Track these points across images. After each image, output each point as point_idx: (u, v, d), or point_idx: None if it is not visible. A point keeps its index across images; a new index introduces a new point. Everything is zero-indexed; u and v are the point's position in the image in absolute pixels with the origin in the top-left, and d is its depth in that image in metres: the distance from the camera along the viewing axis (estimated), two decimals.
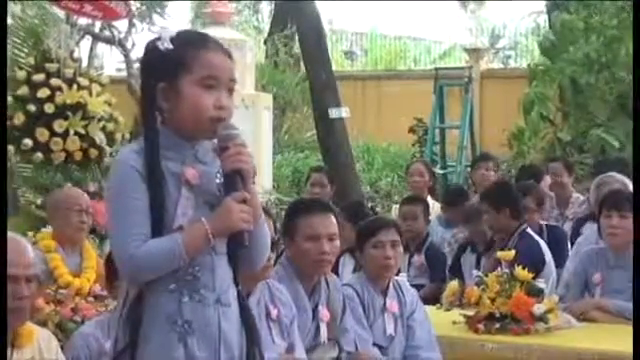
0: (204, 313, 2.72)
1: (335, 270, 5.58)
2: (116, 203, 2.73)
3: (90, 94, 6.66)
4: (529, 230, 6.09)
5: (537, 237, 6.12)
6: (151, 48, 2.79)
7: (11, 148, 6.59)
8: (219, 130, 2.73)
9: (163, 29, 2.83)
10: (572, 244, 6.44)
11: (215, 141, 2.78)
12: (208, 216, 2.71)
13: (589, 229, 6.41)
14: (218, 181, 2.77)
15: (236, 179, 2.71)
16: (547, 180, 7.70)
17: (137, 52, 14.30)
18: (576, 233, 6.62)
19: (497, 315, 4.80)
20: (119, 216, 2.71)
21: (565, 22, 11.50)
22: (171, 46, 2.74)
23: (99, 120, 6.64)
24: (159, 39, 2.76)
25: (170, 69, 2.74)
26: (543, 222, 6.69)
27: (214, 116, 2.73)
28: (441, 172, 12.74)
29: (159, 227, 2.69)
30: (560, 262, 6.05)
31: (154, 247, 2.67)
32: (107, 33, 14.70)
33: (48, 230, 5.58)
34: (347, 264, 6.04)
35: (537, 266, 5.43)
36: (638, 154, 6.20)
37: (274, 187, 12.62)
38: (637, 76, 6.63)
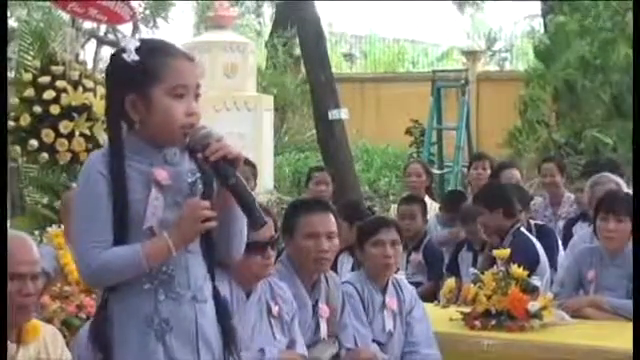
0: (181, 310, 2.70)
1: (334, 269, 5.58)
2: (81, 208, 2.72)
3: (95, 96, 6.66)
4: (523, 229, 6.09)
5: (531, 236, 6.11)
6: (117, 59, 2.74)
7: (17, 149, 6.60)
8: (192, 134, 2.70)
9: (126, 39, 2.78)
10: (564, 243, 6.44)
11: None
12: (177, 217, 2.69)
13: (580, 229, 6.41)
14: (189, 180, 2.75)
15: (226, 167, 2.69)
16: (515, 175, 7.61)
17: None
18: (567, 233, 6.61)
19: (493, 312, 4.79)
20: (83, 221, 2.69)
21: (560, 25, 11.50)
22: (137, 57, 2.69)
23: (104, 121, 6.64)
24: (124, 50, 2.71)
25: (139, 80, 2.69)
26: (532, 221, 6.69)
27: (186, 124, 2.71)
28: (438, 172, 12.73)
29: (127, 228, 2.68)
30: (549, 261, 6.04)
31: (114, 256, 2.65)
32: (111, 36, 14.72)
33: (57, 229, 5.58)
34: (345, 263, 6.04)
35: (532, 264, 5.42)
36: (638, 154, 6.20)
37: (275, 187, 12.63)
38: (637, 76, 6.62)
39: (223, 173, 2.70)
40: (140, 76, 2.69)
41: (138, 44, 2.72)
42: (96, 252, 2.65)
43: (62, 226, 5.62)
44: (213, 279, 2.81)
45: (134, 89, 2.70)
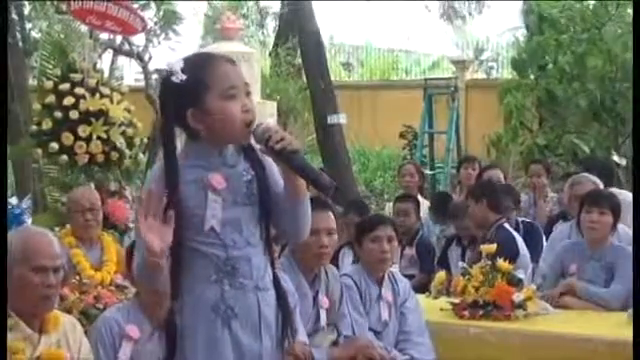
0: (244, 299, 2.76)
1: (335, 262, 5.58)
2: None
3: (111, 102, 6.65)
4: (506, 225, 6.11)
5: (513, 231, 6.13)
6: (167, 83, 2.76)
7: (39, 151, 6.60)
8: (254, 132, 2.73)
9: (170, 63, 2.77)
10: (546, 240, 6.44)
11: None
12: (237, 213, 2.75)
13: (561, 226, 6.41)
14: (246, 178, 2.79)
15: (292, 157, 2.70)
16: (498, 176, 7.59)
17: (154, 64, 14.31)
18: (549, 230, 6.61)
19: (481, 303, 4.80)
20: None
21: (540, 41, 11.51)
22: (184, 76, 2.71)
23: (119, 125, 6.64)
24: (172, 74, 2.73)
25: (192, 95, 2.71)
26: (520, 219, 6.70)
27: (244, 120, 2.73)
28: (430, 173, 12.74)
29: (185, 232, 2.74)
30: (535, 256, 6.05)
31: (138, 257, 2.75)
32: (126, 47, 14.70)
33: (66, 229, 5.59)
34: (347, 255, 6.05)
35: (512, 256, 5.44)
36: (638, 155, 6.24)
37: None
38: (637, 78, 6.64)
39: (288, 158, 2.71)
40: (192, 91, 2.71)
41: (182, 64, 2.74)
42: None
43: (68, 226, 5.63)
44: (273, 268, 2.86)
45: (191, 104, 2.72)
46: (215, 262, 2.74)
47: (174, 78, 2.72)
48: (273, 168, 2.81)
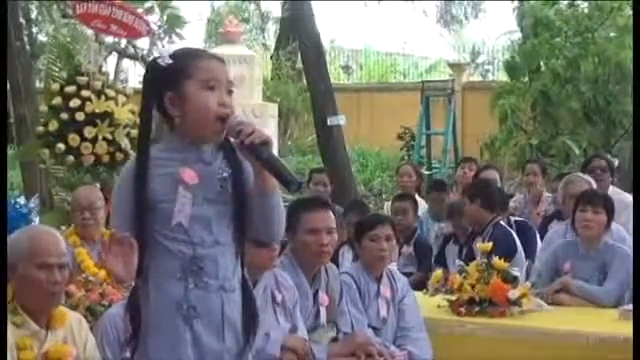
0: (208, 299, 2.68)
1: (336, 260, 5.58)
2: (112, 204, 2.83)
3: (116, 104, 6.65)
4: (502, 222, 6.10)
5: (509, 228, 6.12)
6: (153, 66, 2.76)
7: (46, 152, 6.60)
8: (229, 123, 2.68)
9: (161, 49, 2.80)
10: (540, 239, 6.44)
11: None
12: (208, 211, 2.70)
13: (556, 225, 6.41)
14: (220, 176, 2.72)
15: (260, 149, 2.64)
16: (494, 176, 7.58)
17: None
18: (544, 229, 6.61)
19: (477, 299, 4.80)
20: (112, 216, 2.84)
21: (534, 45, 11.52)
22: (171, 60, 2.71)
23: (124, 127, 6.63)
24: (159, 57, 2.73)
25: (174, 78, 2.70)
26: (512, 218, 6.69)
27: (219, 113, 2.68)
28: (427, 173, 12.74)
29: (152, 226, 2.69)
30: (528, 254, 6.04)
31: None
32: (131, 50, 14.72)
33: (70, 228, 5.58)
34: (347, 254, 6.05)
35: (510, 254, 5.43)
36: (638, 157, 6.24)
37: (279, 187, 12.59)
38: (637, 80, 6.63)
39: (257, 151, 2.65)
40: (174, 75, 2.70)
41: (171, 51, 2.75)
42: None
43: (72, 225, 5.61)
44: (243, 268, 2.78)
45: (170, 87, 2.70)
46: (181, 259, 2.67)
47: (160, 61, 2.72)
48: (250, 167, 2.73)
